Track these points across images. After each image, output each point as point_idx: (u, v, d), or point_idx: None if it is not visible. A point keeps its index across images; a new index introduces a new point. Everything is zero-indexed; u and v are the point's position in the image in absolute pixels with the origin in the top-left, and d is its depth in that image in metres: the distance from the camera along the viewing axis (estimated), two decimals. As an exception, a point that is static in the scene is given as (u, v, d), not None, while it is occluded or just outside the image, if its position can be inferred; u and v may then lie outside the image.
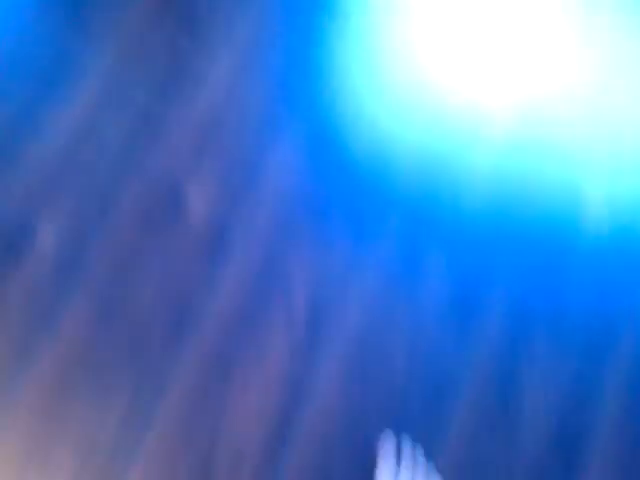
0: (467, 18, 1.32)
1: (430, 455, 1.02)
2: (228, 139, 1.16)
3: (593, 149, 1.24)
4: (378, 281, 1.10)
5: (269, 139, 1.17)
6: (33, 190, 1.10)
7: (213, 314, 1.05)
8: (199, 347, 1.04)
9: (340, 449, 1.02)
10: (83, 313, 1.04)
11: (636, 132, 1.26)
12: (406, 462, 0.97)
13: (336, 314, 1.07)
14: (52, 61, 1.19)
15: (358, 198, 1.15)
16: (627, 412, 1.09)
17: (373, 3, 1.30)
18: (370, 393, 1.04)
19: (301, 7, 1.27)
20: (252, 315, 1.06)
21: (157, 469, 0.98)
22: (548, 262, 1.16)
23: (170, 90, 1.18)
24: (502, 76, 1.28)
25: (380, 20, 1.29)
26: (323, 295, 1.08)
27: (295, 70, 1.22)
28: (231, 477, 0.98)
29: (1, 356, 1.01)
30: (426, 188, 1.17)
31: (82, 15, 1.23)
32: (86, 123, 1.15)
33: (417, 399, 1.05)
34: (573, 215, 1.19)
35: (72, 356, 1.02)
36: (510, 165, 1.21)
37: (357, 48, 1.25)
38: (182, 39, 1.22)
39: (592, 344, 1.12)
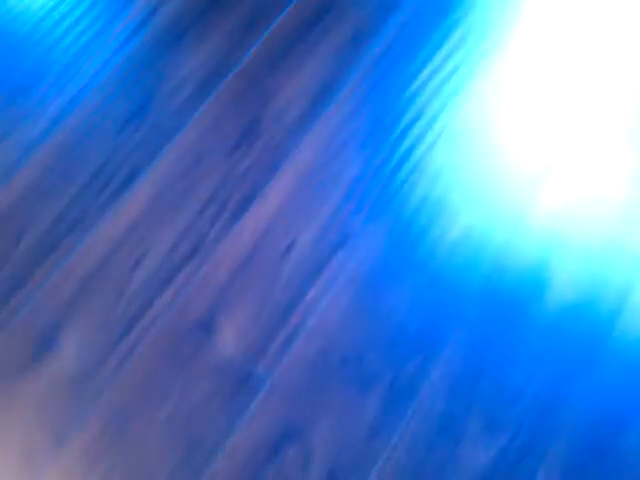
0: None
1: None
2: (269, 273, 1.12)
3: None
4: (408, 454, 1.01)
5: (315, 281, 1.12)
6: (64, 293, 1.09)
7: (224, 459, 0.99)
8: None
9: None
10: (92, 430, 1.01)
11: None
12: None
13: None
14: (105, 163, 1.19)
15: (396, 356, 1.07)
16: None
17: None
18: None
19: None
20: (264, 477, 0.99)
21: None
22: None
23: (217, 212, 1.16)
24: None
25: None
26: (344, 466, 1.00)
27: (354, 201, 1.18)
28: None
29: (4, 464, 0.99)
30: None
31: (140, 121, 1.23)
32: (128, 236, 1.14)
33: None
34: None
35: (76, 472, 0.98)
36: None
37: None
38: (240, 158, 1.20)
39: None
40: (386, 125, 1.24)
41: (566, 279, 1.14)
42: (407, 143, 1.22)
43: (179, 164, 1.20)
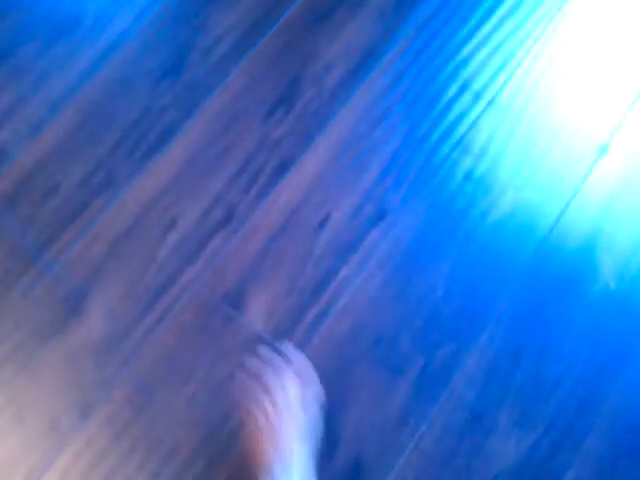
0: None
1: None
2: (302, 247, 1.08)
3: None
4: (436, 443, 0.98)
5: (348, 257, 1.07)
6: (91, 259, 1.06)
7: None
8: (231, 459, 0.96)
9: None
10: (117, 401, 0.99)
11: None
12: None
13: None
14: (137, 121, 1.14)
15: (430, 341, 1.03)
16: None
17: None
18: None
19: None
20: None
21: None
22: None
23: (251, 179, 1.11)
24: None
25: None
26: (370, 453, 0.97)
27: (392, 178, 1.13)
28: None
29: (31, 432, 0.97)
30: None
31: (174, 77, 1.18)
32: (158, 200, 1.10)
33: None
34: None
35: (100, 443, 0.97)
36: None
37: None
38: (276, 123, 1.15)
39: None
40: (430, 96, 1.18)
41: (615, 262, 1.10)
42: (451, 116, 1.17)
43: (213, 125, 1.15)
